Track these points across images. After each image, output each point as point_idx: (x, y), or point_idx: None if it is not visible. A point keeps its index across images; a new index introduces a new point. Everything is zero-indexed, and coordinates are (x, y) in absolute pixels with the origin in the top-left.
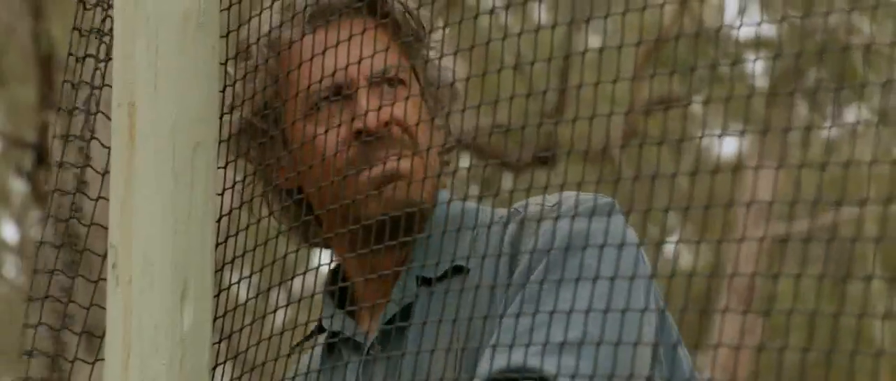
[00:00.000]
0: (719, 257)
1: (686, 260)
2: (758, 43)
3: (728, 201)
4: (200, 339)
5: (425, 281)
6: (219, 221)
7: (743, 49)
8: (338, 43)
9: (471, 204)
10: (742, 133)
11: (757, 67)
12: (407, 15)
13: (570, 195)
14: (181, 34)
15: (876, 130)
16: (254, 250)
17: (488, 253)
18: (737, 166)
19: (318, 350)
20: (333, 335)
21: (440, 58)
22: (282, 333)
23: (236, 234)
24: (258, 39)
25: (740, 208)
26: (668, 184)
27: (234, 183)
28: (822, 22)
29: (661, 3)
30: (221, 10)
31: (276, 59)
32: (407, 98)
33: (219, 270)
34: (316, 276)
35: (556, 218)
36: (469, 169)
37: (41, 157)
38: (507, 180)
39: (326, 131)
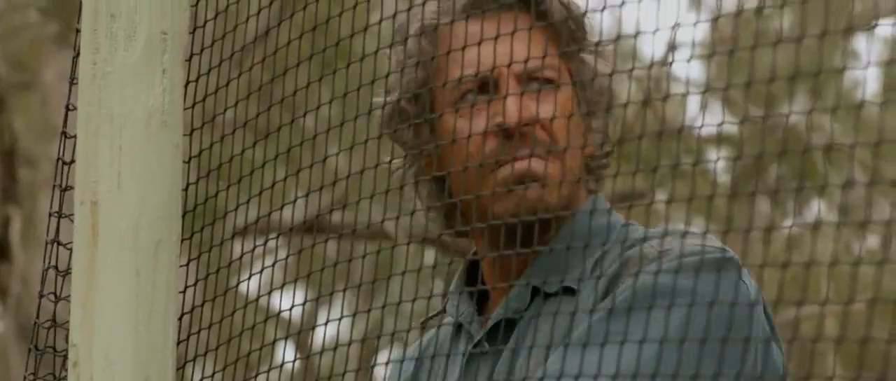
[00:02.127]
0: None
1: None
2: (720, 140)
3: (691, 300)
4: None
5: (538, 290)
6: (181, 318)
7: (705, 145)
8: (495, 36)
9: (612, 219)
10: (705, 233)
11: (719, 165)
12: (566, 14)
13: (675, 241)
14: (144, 133)
15: (837, 228)
16: (217, 348)
17: (593, 277)
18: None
19: (449, 330)
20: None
21: (596, 59)
22: None
23: (198, 332)
24: (419, 22)
25: (702, 305)
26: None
27: (197, 281)
28: (784, 119)
29: (625, 104)
30: (185, 109)
31: (428, 44)
32: (555, 100)
33: (180, 367)
34: (280, 373)
35: (645, 269)
36: (434, 266)
37: (2, 251)
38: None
39: (470, 122)
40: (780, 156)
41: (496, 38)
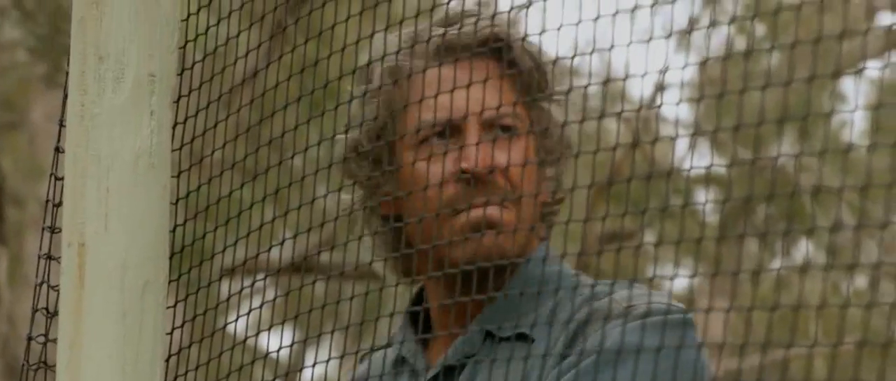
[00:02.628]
0: None
1: None
2: (708, 180)
3: (679, 342)
4: None
5: (490, 335)
6: (168, 360)
7: (694, 186)
8: (466, 84)
9: (562, 268)
10: (693, 276)
11: (707, 206)
12: (532, 63)
13: (642, 295)
14: (132, 174)
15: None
16: None
17: (556, 328)
18: (689, 305)
19: (390, 358)
20: (401, 357)
21: (554, 108)
22: None
23: (185, 373)
24: (382, 60)
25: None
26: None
27: (184, 322)
28: (772, 162)
29: (613, 147)
30: (173, 151)
31: (394, 86)
32: (514, 147)
33: None
34: None
35: (614, 322)
36: (423, 309)
37: None
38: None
39: (431, 164)
40: (768, 198)
41: (457, 82)
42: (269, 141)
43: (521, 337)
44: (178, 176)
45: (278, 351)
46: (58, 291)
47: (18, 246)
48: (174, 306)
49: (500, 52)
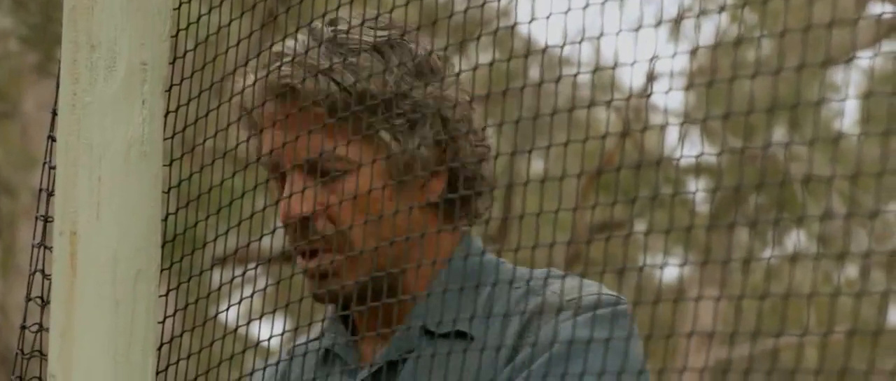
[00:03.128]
0: None
1: None
2: (699, 170)
3: (670, 330)
4: None
5: (428, 332)
6: (160, 348)
7: (684, 175)
8: (290, 136)
9: (491, 258)
10: (683, 265)
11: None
12: (349, 101)
13: (591, 292)
14: (124, 163)
15: (815, 259)
16: (196, 378)
17: (496, 322)
18: (679, 294)
19: (314, 354)
20: (332, 352)
21: (405, 120)
22: None
23: (178, 362)
24: (230, 98)
25: (682, 336)
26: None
27: (176, 310)
28: (762, 150)
29: (603, 135)
30: (165, 139)
31: (246, 119)
32: (341, 188)
33: None
34: None
35: (561, 315)
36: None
37: None
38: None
39: (277, 204)
40: (758, 187)
41: (292, 140)
42: (260, 129)
43: (460, 335)
44: (170, 165)
45: (270, 340)
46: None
47: (11, 236)
48: (166, 294)
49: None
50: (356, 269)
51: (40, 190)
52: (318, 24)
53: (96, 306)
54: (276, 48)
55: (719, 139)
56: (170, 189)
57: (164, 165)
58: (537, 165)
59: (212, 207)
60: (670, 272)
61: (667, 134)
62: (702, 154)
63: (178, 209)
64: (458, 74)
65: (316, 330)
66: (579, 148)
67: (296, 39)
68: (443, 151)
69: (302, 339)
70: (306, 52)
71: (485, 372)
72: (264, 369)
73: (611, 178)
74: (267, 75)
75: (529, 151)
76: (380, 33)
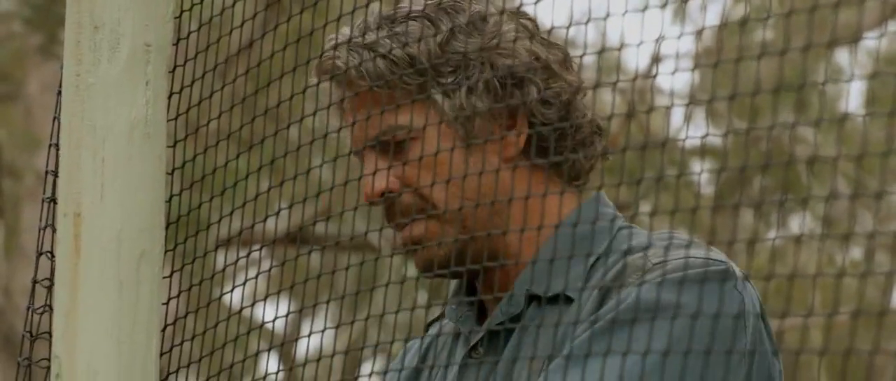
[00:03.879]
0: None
1: None
2: (704, 151)
3: (675, 311)
4: None
5: (535, 297)
6: (164, 329)
7: (689, 157)
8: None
9: (605, 224)
10: (689, 245)
11: (703, 176)
12: (391, 69)
13: (678, 252)
14: (127, 144)
15: (820, 240)
16: (200, 359)
17: (589, 287)
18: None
19: (446, 337)
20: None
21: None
22: None
23: (181, 343)
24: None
25: (687, 318)
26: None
27: (180, 292)
28: (767, 132)
29: (609, 116)
30: (168, 121)
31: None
32: (412, 153)
33: (164, 379)
34: None
35: (639, 282)
36: (417, 278)
37: None
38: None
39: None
40: (763, 168)
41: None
42: (264, 111)
43: (568, 300)
44: (174, 146)
45: (274, 321)
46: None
47: (15, 218)
48: (170, 276)
49: (364, 75)
50: (444, 231)
51: (46, 172)
52: (376, 4)
53: (100, 287)
54: (332, 35)
55: (725, 121)
56: (173, 171)
57: (168, 147)
58: None
59: (216, 188)
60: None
61: (672, 116)
62: (707, 135)
63: (181, 191)
64: (515, 16)
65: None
66: None
67: (353, 24)
68: (508, 100)
69: (436, 312)
70: (351, 32)
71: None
72: (405, 346)
73: (616, 160)
74: (318, 66)
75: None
76: (419, 6)
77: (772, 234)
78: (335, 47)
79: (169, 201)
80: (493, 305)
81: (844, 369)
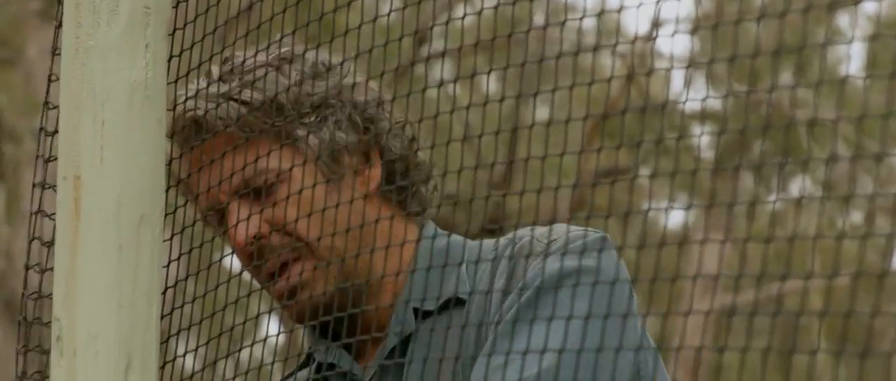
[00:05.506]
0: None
1: None
2: (704, 115)
3: (674, 274)
4: None
5: (424, 314)
6: (164, 293)
7: (689, 121)
8: (210, 165)
9: (457, 238)
10: (689, 207)
11: (703, 140)
12: (248, 109)
13: (561, 229)
14: (127, 107)
15: (820, 203)
16: (201, 322)
17: (483, 286)
18: (683, 238)
19: (309, 371)
20: (329, 367)
21: (324, 122)
22: None
23: (182, 305)
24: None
25: (687, 280)
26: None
27: (180, 255)
28: (767, 95)
29: (608, 79)
30: (168, 83)
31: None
32: (279, 196)
33: (165, 341)
34: (263, 347)
35: (546, 255)
36: (418, 241)
37: None
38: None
39: (228, 240)
40: (764, 129)
41: (203, 166)
42: (264, 74)
43: (458, 302)
44: (174, 109)
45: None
46: (54, 220)
47: (15, 182)
48: (170, 239)
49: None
50: (324, 273)
51: (40, 129)
52: (214, 65)
53: (100, 250)
54: (178, 91)
55: (725, 85)
56: (173, 134)
57: (168, 110)
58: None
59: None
60: (675, 218)
61: (671, 80)
62: (707, 98)
63: (182, 154)
64: (355, 59)
65: (295, 365)
66: (583, 94)
67: (197, 80)
68: (365, 135)
69: (289, 370)
70: (198, 84)
71: (476, 337)
72: None
73: (615, 124)
74: (173, 116)
75: (534, 95)
76: (273, 53)
77: (772, 198)
78: (187, 99)
79: (169, 164)
80: (372, 341)
81: (845, 332)
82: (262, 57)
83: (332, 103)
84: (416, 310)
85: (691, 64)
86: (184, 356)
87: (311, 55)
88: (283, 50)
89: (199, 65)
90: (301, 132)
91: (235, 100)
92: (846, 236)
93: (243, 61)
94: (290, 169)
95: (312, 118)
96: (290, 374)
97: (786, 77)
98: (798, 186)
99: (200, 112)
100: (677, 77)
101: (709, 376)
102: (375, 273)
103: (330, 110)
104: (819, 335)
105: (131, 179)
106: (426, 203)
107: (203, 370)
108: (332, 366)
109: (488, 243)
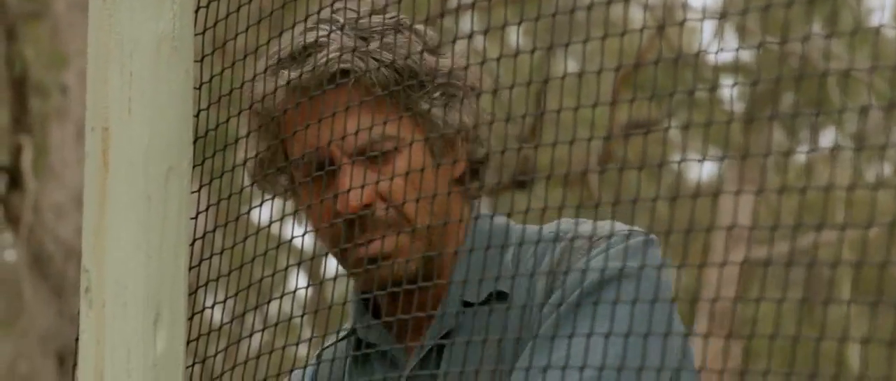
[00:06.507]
0: (700, 282)
1: None
2: (735, 68)
3: (708, 226)
4: (173, 363)
5: (467, 304)
6: (192, 244)
7: (720, 73)
8: (322, 118)
9: (500, 220)
10: (722, 158)
11: (734, 93)
12: (395, 77)
13: (604, 227)
14: (155, 58)
15: (853, 156)
16: (229, 274)
17: (529, 276)
18: (716, 191)
19: (343, 360)
20: (368, 345)
21: (442, 99)
22: (258, 357)
23: (210, 257)
24: (250, 105)
25: (720, 232)
26: (648, 209)
27: (209, 206)
28: (799, 47)
29: (640, 29)
30: (196, 35)
31: (269, 126)
32: (394, 167)
33: (192, 293)
34: (292, 300)
35: (589, 259)
36: (449, 194)
37: (14, 180)
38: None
39: (316, 205)
40: (796, 80)
41: (321, 119)
42: (292, 25)
43: (500, 296)
44: (202, 61)
45: (303, 237)
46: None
47: (42, 136)
48: (198, 191)
49: (360, 81)
50: (411, 248)
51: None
52: (326, 14)
53: (128, 202)
54: (299, 42)
55: (756, 38)
56: (201, 85)
57: (195, 62)
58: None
59: (243, 103)
60: (708, 171)
61: (703, 31)
62: (738, 49)
63: (209, 105)
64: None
65: (341, 333)
66: (614, 46)
67: (317, 30)
68: (474, 119)
69: (330, 340)
70: (342, 37)
71: (527, 326)
72: (291, 372)
73: (645, 77)
74: (313, 69)
75: (565, 46)
76: (388, 18)
77: (804, 149)
78: (338, 51)
79: (196, 115)
80: (423, 321)
81: (880, 284)
82: (377, 19)
83: (457, 84)
84: (461, 302)
85: (723, 15)
86: (212, 307)
87: (419, 27)
88: (388, 17)
89: (227, 16)
90: (427, 106)
91: (381, 62)
92: (882, 185)
93: (357, 19)
94: (411, 144)
95: (438, 95)
96: (331, 344)
97: (818, 28)
98: (829, 139)
99: (353, 65)
100: (708, 29)
101: (743, 328)
102: (441, 266)
103: (451, 89)
104: (850, 287)
105: (159, 131)
106: (484, 183)
107: (231, 322)
108: (370, 345)
109: (532, 229)
